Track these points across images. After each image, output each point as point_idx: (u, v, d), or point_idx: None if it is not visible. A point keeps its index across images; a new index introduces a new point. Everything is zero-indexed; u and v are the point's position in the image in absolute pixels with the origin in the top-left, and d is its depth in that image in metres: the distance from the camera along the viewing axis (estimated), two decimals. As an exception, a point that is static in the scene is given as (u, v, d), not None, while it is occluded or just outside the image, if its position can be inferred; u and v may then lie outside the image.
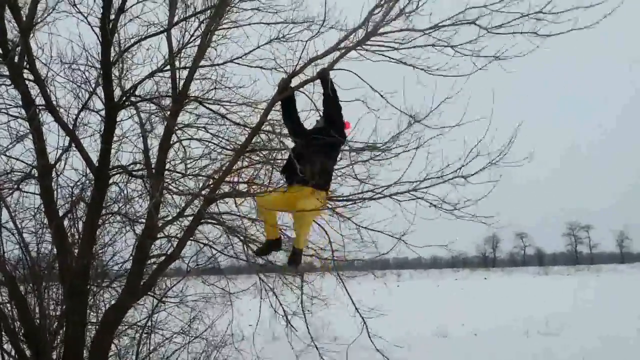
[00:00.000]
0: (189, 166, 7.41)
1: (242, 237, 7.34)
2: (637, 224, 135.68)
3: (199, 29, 7.04)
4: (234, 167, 6.40)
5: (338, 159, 6.19)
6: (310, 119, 6.49)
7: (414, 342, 12.52)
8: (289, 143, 6.38)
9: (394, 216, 7.08)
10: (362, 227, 7.26)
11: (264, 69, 7.40)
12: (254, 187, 6.78)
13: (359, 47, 5.72)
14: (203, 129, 7.58)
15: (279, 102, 5.95)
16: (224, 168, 6.46)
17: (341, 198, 7.12)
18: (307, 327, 8.24)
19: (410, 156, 6.70)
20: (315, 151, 5.37)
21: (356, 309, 7.71)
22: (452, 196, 6.86)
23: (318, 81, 5.71)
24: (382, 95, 5.94)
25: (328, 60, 5.82)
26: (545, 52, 5.79)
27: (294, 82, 5.92)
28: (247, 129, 7.30)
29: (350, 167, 6.87)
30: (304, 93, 6.21)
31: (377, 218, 7.34)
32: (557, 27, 5.51)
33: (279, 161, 6.64)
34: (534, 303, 25.69)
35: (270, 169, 6.92)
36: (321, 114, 5.89)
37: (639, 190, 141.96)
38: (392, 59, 5.94)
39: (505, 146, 6.15)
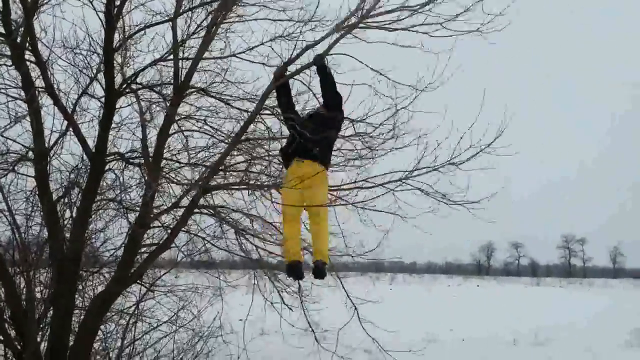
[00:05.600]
0: (187, 157, 7.40)
1: (235, 227, 7.36)
2: (631, 240, 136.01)
3: (206, 20, 7.03)
4: (229, 161, 6.40)
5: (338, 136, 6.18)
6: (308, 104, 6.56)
7: (403, 346, 12.50)
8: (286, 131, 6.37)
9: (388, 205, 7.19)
10: (360, 207, 7.33)
11: (267, 65, 7.37)
12: (249, 179, 6.80)
13: (353, 31, 5.63)
14: (203, 121, 7.57)
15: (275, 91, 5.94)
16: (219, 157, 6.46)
17: (334, 188, 7.16)
18: (305, 314, 8.29)
19: (404, 144, 6.81)
20: (318, 126, 5.36)
21: (347, 296, 7.77)
22: (444, 186, 6.97)
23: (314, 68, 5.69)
24: (380, 73, 5.95)
25: (323, 47, 5.78)
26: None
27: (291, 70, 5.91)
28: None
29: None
30: (300, 81, 6.21)
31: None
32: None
33: (274, 155, 6.65)
34: (524, 313, 25.70)
35: (268, 161, 6.93)
36: (320, 102, 5.88)
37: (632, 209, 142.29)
38: (387, 42, 5.88)
39: (497, 133, 6.23)
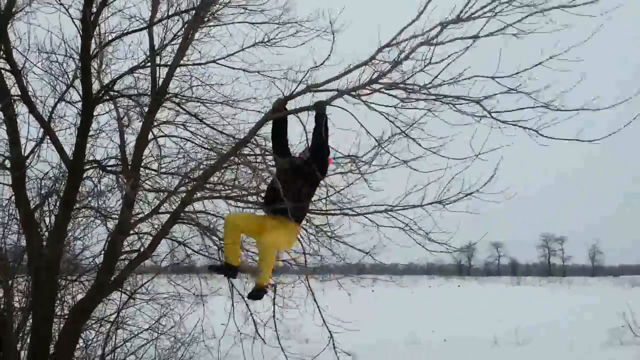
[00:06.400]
0: (164, 164, 7.38)
1: (217, 238, 7.35)
2: (610, 239, 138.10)
3: (182, 28, 7.01)
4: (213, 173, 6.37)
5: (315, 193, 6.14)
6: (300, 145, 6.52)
7: (385, 348, 12.61)
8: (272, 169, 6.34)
9: (370, 238, 7.23)
10: (334, 238, 7.34)
11: (248, 71, 7.38)
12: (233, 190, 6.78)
13: (357, 91, 5.58)
14: (182, 127, 7.57)
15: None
16: (202, 172, 6.41)
17: (317, 211, 7.16)
18: (278, 337, 8.27)
19: (391, 173, 6.81)
20: (298, 182, 5.36)
21: (324, 321, 7.77)
22: (427, 221, 6.99)
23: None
24: (376, 140, 5.95)
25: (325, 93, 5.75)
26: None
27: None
28: (223, 133, 7.33)
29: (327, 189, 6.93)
30: (297, 117, 6.18)
31: (351, 230, 7.45)
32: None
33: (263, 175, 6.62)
34: (505, 312, 25.95)
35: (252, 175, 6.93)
36: (308, 143, 5.85)
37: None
38: (386, 114, 5.83)
39: (486, 182, 6.26)
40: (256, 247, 5.82)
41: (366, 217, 7.02)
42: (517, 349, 15.24)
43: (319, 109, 5.48)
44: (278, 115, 5.69)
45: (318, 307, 7.81)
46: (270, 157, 6.35)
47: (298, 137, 6.49)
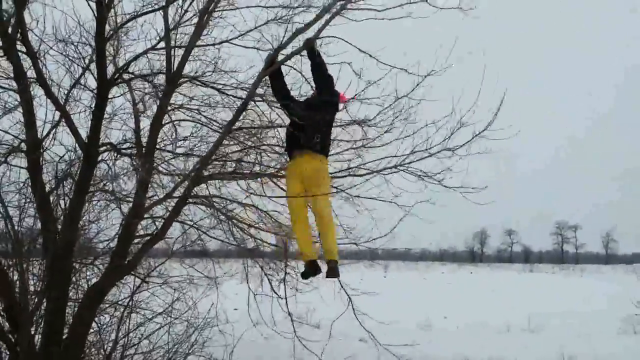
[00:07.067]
0: (179, 146, 7.35)
1: (228, 218, 7.34)
2: (624, 226, 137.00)
3: (197, 6, 6.94)
4: (221, 150, 6.37)
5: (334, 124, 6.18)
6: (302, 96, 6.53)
7: (397, 331, 12.61)
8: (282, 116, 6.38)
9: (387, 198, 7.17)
10: (356, 196, 7.34)
11: (261, 50, 7.32)
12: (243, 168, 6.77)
13: (342, 13, 5.61)
14: (196, 111, 7.52)
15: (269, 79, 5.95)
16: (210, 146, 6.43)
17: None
18: (286, 304, 8.30)
19: (399, 131, 6.82)
20: (315, 117, 5.39)
21: (341, 286, 7.77)
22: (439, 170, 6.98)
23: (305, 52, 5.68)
24: (370, 55, 5.88)
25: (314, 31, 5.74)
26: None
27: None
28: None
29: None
30: (292, 67, 6.19)
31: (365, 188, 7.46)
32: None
33: (268, 145, 6.63)
34: (518, 299, 25.88)
35: (259, 151, 6.92)
36: (313, 87, 5.89)
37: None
38: (376, 17, 5.80)
39: (492, 117, 6.26)
40: (315, 219, 5.80)
41: (381, 174, 7.01)
42: (529, 335, 15.20)
43: (309, 46, 5.52)
44: (272, 69, 5.69)
45: (340, 281, 7.83)
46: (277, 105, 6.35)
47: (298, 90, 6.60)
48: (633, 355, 11.22)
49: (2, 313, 5.60)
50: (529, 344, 13.17)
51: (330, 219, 5.75)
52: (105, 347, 6.11)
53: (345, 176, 7.44)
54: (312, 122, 5.37)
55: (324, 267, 5.76)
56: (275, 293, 8.53)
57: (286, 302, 8.36)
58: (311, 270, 5.70)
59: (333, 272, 5.43)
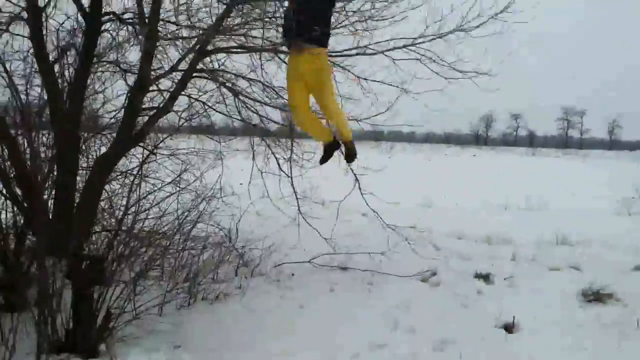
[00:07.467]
0: (184, 18, 7.16)
1: (234, 93, 7.34)
2: (630, 112, 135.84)
3: None
4: (227, 24, 6.22)
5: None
6: None
7: (401, 211, 13.00)
8: None
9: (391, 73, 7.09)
10: (361, 77, 7.30)
11: None
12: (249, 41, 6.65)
13: None
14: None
15: None
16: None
17: (335, 53, 7.05)
18: (292, 182, 8.52)
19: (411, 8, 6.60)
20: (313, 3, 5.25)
21: (349, 167, 7.93)
22: (450, 57, 6.83)
23: None
24: None
25: None
26: None
27: None
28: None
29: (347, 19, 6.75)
30: None
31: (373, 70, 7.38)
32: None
33: (273, 18, 6.47)
34: (518, 181, 26.31)
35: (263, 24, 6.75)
36: None
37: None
38: None
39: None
40: (322, 111, 5.88)
41: (385, 55, 6.91)
42: (528, 213, 15.62)
43: None
44: None
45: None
46: None
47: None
48: (625, 234, 11.60)
49: (13, 180, 5.73)
50: (525, 222, 13.55)
51: (337, 107, 5.78)
52: (117, 213, 6.33)
53: (352, 55, 7.28)
54: (311, 9, 5.21)
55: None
56: (282, 171, 8.71)
57: (291, 181, 8.56)
58: (330, 149, 5.80)
59: (351, 157, 5.63)
